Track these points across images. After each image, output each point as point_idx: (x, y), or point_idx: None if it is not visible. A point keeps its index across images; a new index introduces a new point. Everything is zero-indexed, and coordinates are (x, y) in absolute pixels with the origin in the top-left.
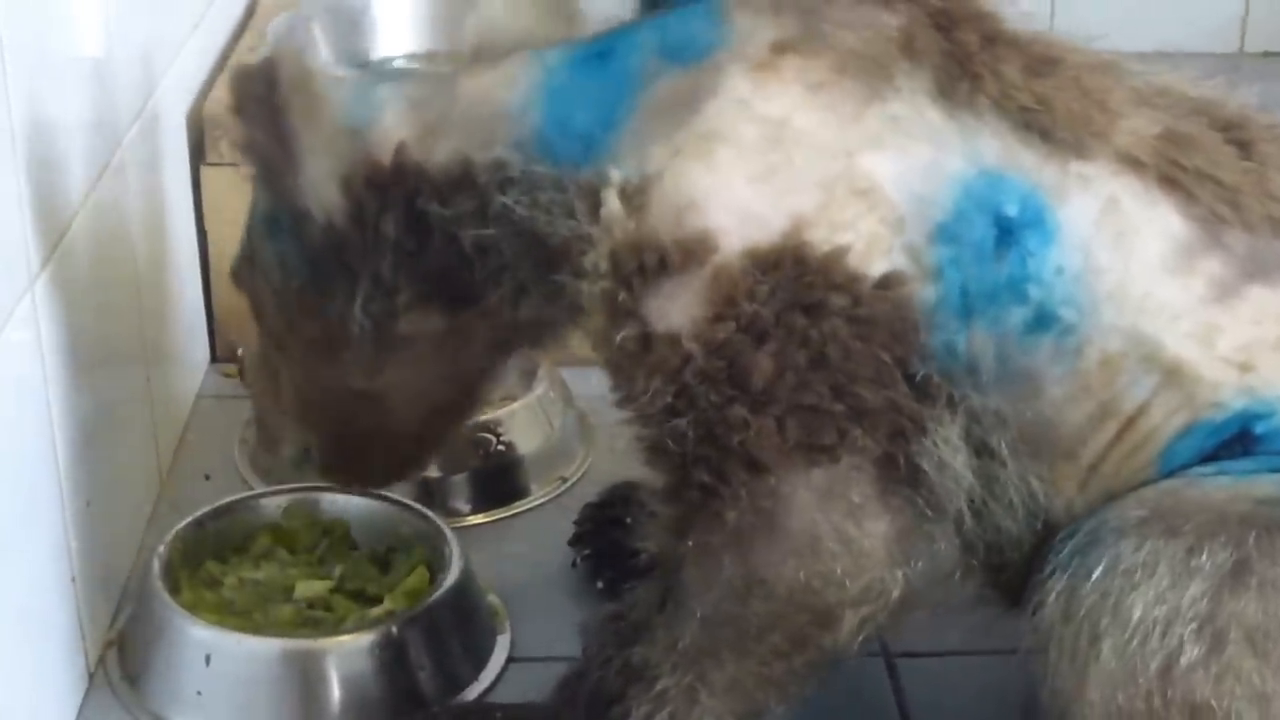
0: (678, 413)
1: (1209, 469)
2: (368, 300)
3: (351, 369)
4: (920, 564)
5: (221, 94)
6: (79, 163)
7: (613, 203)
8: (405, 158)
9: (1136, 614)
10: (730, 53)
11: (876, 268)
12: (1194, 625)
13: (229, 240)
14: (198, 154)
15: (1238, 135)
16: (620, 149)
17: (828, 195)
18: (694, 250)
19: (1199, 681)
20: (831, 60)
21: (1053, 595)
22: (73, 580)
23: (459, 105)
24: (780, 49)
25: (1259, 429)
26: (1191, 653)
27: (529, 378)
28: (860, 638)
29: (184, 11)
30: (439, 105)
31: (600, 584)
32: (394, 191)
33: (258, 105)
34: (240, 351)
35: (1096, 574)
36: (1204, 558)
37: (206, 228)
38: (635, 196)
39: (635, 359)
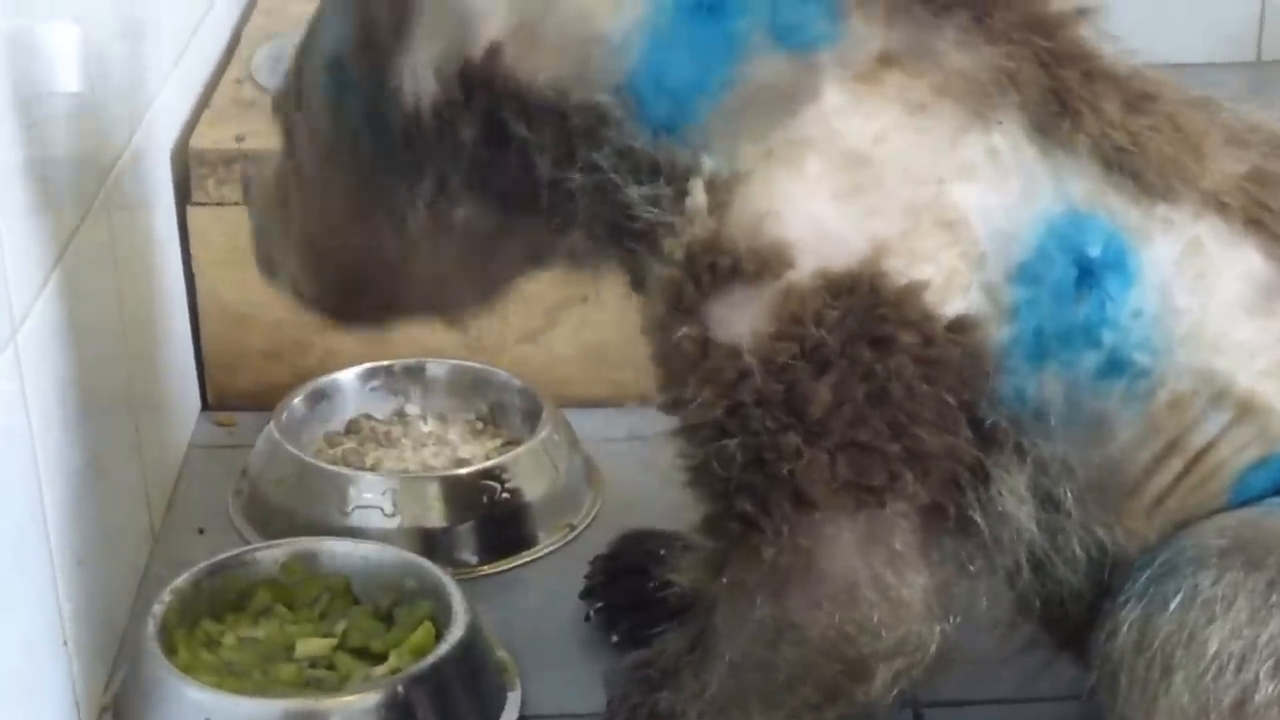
0: (728, 432)
1: None
2: (431, 196)
3: (382, 237)
4: (959, 619)
5: (207, 130)
6: (60, 205)
7: (699, 195)
8: (497, 60)
9: (1212, 647)
10: (835, 55)
11: (952, 306)
12: (1271, 661)
13: (218, 282)
14: (183, 193)
15: None
16: (711, 129)
17: (913, 223)
18: (769, 261)
19: (1274, 719)
20: (936, 80)
21: (1126, 625)
22: (65, 643)
23: (560, 13)
24: (886, 61)
25: None
26: (1267, 689)
27: (533, 420)
28: (894, 691)
29: (165, 45)
30: (539, 3)
31: (615, 638)
32: (479, 94)
33: None
34: (246, 169)
35: (1173, 605)
36: None
37: (195, 270)
38: (721, 191)
39: (690, 362)
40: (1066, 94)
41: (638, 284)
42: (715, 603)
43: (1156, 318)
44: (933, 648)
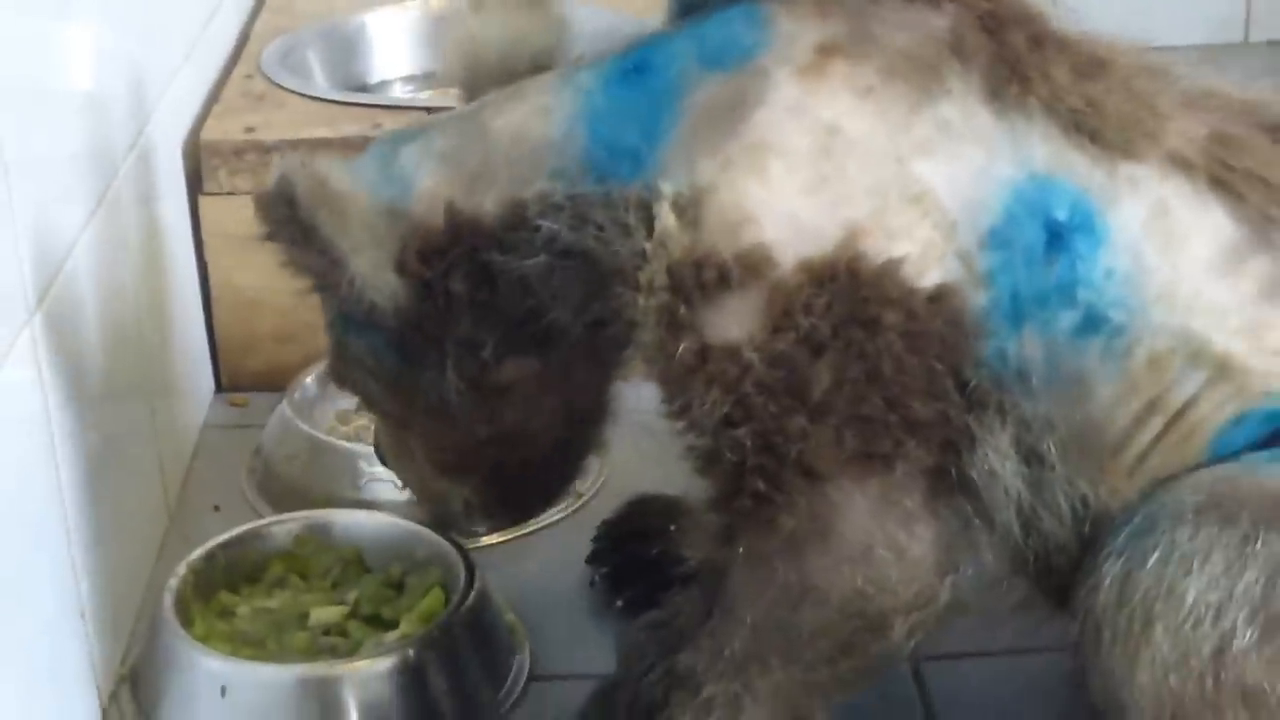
0: (735, 423)
1: (1264, 455)
2: (458, 362)
3: (471, 424)
4: (969, 571)
5: (218, 122)
6: (74, 196)
7: (667, 217)
8: (457, 215)
9: (1190, 599)
10: (774, 56)
11: (930, 277)
12: (1247, 610)
13: (230, 268)
14: (195, 183)
15: None
16: (668, 160)
17: (881, 202)
18: (755, 265)
19: (1252, 665)
20: (880, 62)
21: (1108, 580)
22: (82, 615)
23: (499, 148)
24: (826, 51)
25: None
26: (1245, 637)
27: None
28: (910, 643)
29: (176, 41)
30: (476, 152)
31: (619, 602)
32: (454, 252)
33: (287, 227)
34: (374, 438)
35: (1152, 560)
36: (1259, 545)
37: (207, 257)
38: (689, 209)
39: (693, 371)
40: (1015, 60)
41: (627, 329)
42: (730, 570)
43: (1129, 277)
44: (943, 600)
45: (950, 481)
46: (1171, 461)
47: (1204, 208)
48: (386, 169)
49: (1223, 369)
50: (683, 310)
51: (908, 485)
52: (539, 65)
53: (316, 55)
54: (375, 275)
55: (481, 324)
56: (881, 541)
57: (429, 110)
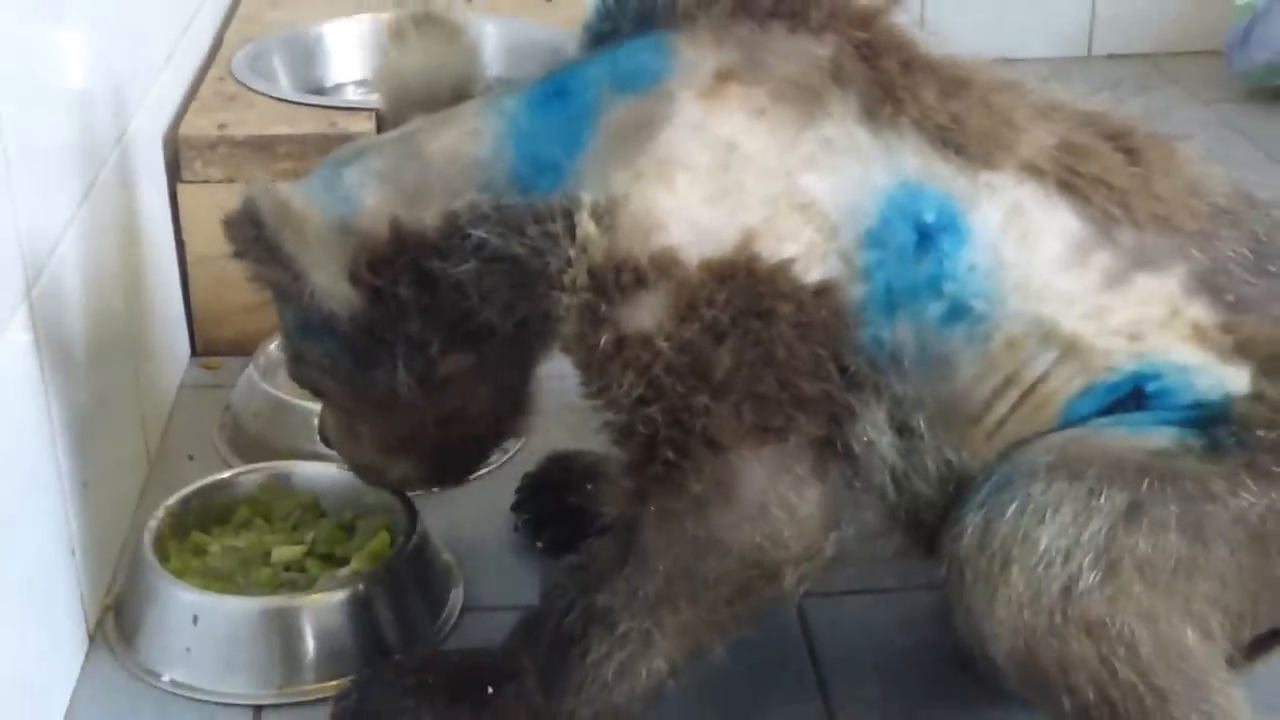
0: (648, 401)
1: (1108, 420)
2: (408, 361)
3: (417, 413)
4: (851, 529)
5: (194, 119)
6: (66, 184)
7: (587, 225)
8: (401, 228)
9: (1043, 544)
10: (678, 81)
11: (815, 274)
12: (1092, 554)
13: (205, 246)
14: (174, 172)
15: (1125, 143)
16: (584, 170)
17: (773, 210)
18: (665, 265)
19: (1095, 602)
20: (770, 87)
21: (970, 528)
22: (73, 553)
23: (434, 168)
24: (723, 77)
25: (1150, 387)
26: (1089, 578)
27: None
28: (800, 589)
29: (157, 45)
30: (412, 171)
31: (540, 544)
32: (399, 261)
33: (254, 246)
34: (317, 420)
35: (1010, 510)
36: (1102, 499)
37: (185, 238)
38: (605, 217)
39: (611, 358)
40: (888, 84)
41: (550, 321)
42: (643, 525)
43: (989, 271)
44: (829, 553)
45: (835, 450)
46: (1026, 428)
47: (1054, 209)
48: (333, 189)
49: (1071, 348)
50: (603, 308)
51: (799, 454)
52: (458, 90)
53: (281, 61)
54: (332, 286)
55: (428, 325)
56: (776, 502)
57: (379, 111)
